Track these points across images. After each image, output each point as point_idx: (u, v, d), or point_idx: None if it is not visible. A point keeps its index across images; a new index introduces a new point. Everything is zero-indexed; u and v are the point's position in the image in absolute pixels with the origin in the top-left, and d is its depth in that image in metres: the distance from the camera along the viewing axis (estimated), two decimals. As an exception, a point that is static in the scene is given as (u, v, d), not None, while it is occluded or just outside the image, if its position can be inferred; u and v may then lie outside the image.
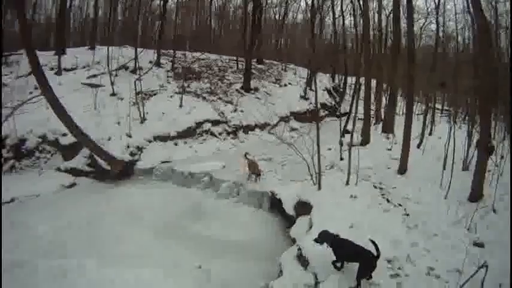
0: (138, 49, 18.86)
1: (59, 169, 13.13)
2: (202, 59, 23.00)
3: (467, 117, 18.38)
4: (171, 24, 26.20)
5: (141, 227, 9.49)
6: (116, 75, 17.37)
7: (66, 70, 17.63)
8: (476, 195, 9.31)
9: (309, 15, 24.73)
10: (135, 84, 15.59)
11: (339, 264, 6.64)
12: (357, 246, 6.41)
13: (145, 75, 17.43)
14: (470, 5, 12.17)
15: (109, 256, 7.99)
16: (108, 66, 16.87)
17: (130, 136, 14.27)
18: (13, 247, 8.06)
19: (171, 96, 17.76)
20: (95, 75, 17.39)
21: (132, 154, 13.85)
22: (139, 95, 15.74)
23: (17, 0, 12.40)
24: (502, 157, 11.09)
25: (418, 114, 20.98)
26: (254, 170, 11.91)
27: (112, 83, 16.40)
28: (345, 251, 6.54)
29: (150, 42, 27.11)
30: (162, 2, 21.79)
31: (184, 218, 10.30)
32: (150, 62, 19.77)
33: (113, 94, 16.33)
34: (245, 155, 12.51)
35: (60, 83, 15.70)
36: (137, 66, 18.43)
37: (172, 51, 21.71)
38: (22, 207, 10.60)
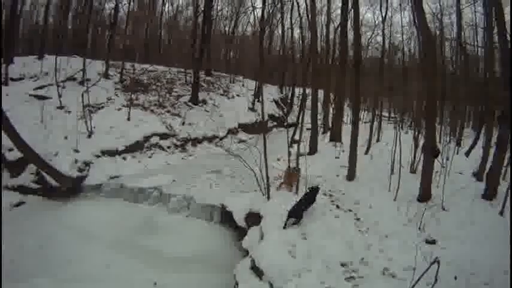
0: (87, 60, 18.08)
1: (6, 187, 12.28)
2: (151, 71, 22.51)
3: (413, 123, 19.30)
4: (121, 35, 25.49)
5: (95, 244, 9.22)
6: (64, 87, 16.55)
7: (13, 80, 16.58)
8: (425, 196, 9.71)
9: (259, 27, 25.05)
10: (82, 97, 14.91)
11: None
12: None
13: (93, 87, 16.65)
14: (416, 18, 12.65)
15: (63, 276, 7.76)
16: (55, 77, 16.08)
17: (77, 151, 13.51)
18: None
19: (119, 109, 17.14)
20: (42, 87, 16.45)
21: (80, 170, 13.09)
22: (87, 108, 15.05)
23: None
24: (447, 158, 11.60)
25: (365, 122, 21.75)
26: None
27: (59, 95, 15.64)
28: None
29: (100, 52, 26.12)
30: (113, 11, 21.15)
31: (137, 234, 10.02)
32: (99, 73, 19.01)
33: (61, 107, 15.54)
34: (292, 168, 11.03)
35: (7, 94, 14.66)
36: (85, 77, 17.64)
37: (121, 62, 20.95)
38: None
